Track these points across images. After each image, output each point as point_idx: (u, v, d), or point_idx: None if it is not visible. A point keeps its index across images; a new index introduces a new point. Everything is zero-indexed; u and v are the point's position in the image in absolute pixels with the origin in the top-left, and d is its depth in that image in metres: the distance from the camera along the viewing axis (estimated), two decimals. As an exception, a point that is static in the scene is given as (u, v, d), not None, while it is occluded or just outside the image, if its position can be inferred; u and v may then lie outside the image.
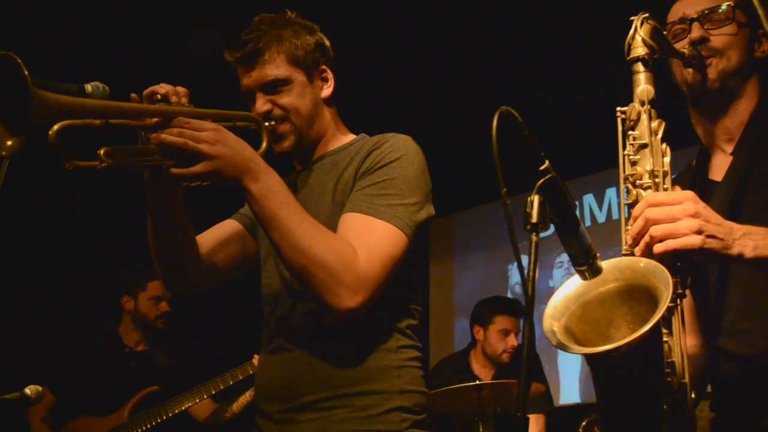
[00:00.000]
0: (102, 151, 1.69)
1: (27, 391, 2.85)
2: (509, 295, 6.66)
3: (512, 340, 4.66)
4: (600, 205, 6.32)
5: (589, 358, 1.49)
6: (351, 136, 2.17)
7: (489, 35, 5.05)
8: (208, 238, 2.14)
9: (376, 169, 1.94)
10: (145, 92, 1.84)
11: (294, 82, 2.04)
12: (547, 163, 1.38)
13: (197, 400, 4.07)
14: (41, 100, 1.59)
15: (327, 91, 2.12)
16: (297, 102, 2.04)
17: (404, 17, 4.90)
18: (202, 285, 2.16)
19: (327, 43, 2.15)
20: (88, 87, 1.87)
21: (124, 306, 4.41)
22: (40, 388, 2.89)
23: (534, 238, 1.29)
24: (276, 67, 2.03)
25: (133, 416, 4.09)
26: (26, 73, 1.57)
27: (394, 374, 1.93)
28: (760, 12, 1.08)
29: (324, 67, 2.12)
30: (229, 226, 2.21)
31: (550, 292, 1.55)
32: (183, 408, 4.06)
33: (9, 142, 1.62)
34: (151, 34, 4.72)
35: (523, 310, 4.81)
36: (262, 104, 2.03)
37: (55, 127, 1.65)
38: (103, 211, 5.36)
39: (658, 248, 1.49)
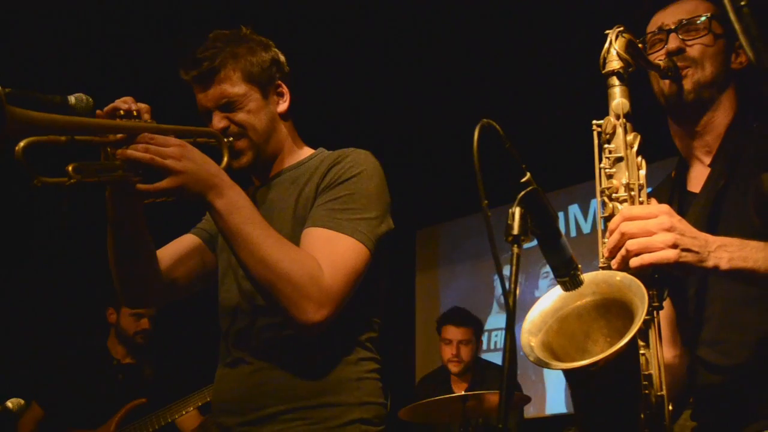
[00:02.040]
0: (70, 167, 1.70)
1: (8, 404, 2.83)
2: (494, 306, 6.66)
3: (453, 349, 4.66)
4: (585, 215, 6.32)
5: (566, 372, 1.49)
6: (309, 150, 2.18)
7: (472, 48, 5.06)
8: (167, 253, 2.15)
9: (337, 185, 1.95)
10: (107, 108, 1.84)
11: (250, 99, 2.05)
12: (528, 175, 1.39)
13: (184, 412, 4.06)
14: (14, 117, 1.59)
15: (283, 105, 2.13)
16: (253, 119, 2.05)
17: (396, 23, 4.90)
18: (161, 300, 2.17)
19: (282, 58, 2.16)
20: (72, 99, 1.84)
21: (109, 318, 4.41)
22: (21, 402, 2.87)
23: (515, 249, 1.30)
24: (232, 85, 2.03)
25: (119, 429, 4.07)
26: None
27: (353, 386, 1.94)
28: (737, 26, 1.09)
29: (279, 82, 2.13)
30: (188, 241, 2.21)
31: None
32: (170, 420, 4.05)
33: None
34: (133, 45, 4.71)
35: (474, 322, 4.84)
36: (218, 121, 2.04)
37: (22, 144, 1.64)
38: (92, 222, 5.32)
39: (634, 262, 1.50)
